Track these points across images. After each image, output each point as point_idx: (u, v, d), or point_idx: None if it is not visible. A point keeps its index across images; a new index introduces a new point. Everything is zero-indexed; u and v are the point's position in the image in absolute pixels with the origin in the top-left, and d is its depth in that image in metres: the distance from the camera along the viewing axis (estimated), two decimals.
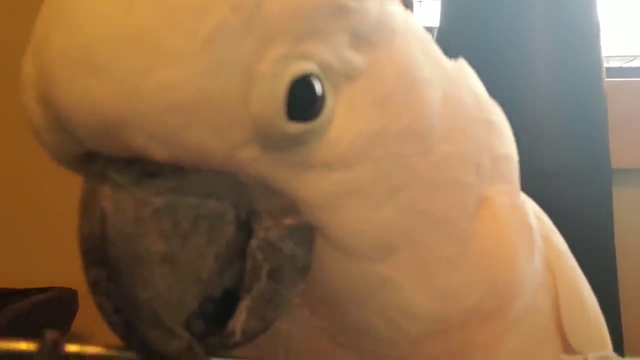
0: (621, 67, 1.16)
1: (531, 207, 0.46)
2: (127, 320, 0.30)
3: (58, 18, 0.28)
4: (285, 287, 0.33)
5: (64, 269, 1.28)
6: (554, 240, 0.47)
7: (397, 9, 0.36)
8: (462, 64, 0.41)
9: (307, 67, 0.30)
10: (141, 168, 0.29)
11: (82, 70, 0.27)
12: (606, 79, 1.05)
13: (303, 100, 0.30)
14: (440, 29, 1.07)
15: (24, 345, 0.30)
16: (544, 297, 0.44)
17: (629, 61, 1.16)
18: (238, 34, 0.28)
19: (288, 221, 0.32)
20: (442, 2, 1.07)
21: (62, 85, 0.27)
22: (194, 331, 0.30)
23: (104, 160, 0.29)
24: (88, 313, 1.24)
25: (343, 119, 0.32)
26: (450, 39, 1.04)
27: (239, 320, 0.31)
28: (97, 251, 0.29)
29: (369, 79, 0.33)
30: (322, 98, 0.31)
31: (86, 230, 0.29)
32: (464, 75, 0.41)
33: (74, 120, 0.28)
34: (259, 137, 0.30)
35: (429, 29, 1.07)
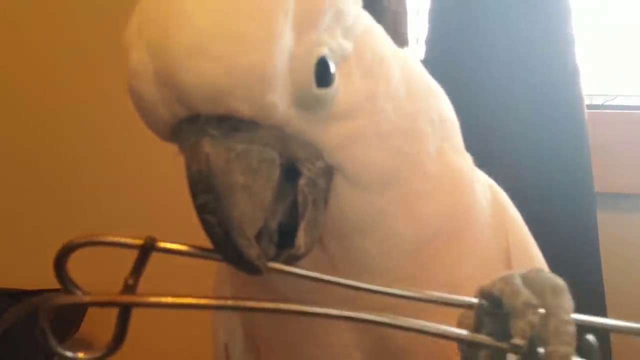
0: (603, 104, 1.25)
1: (481, 173, 0.59)
2: (225, 231, 0.40)
3: (172, 20, 0.39)
4: (321, 213, 0.45)
5: (74, 271, 1.34)
6: (500, 201, 0.59)
7: (362, 11, 0.50)
8: (407, 52, 0.54)
9: (324, 50, 0.43)
10: (228, 125, 0.40)
11: (198, 58, 0.38)
12: (591, 111, 1.15)
13: (324, 73, 0.43)
14: (425, 61, 1.15)
15: (129, 240, 0.36)
16: (493, 238, 0.56)
17: (611, 99, 1.25)
18: (287, 30, 0.41)
19: (319, 164, 0.45)
20: (426, 40, 1.14)
21: (184, 67, 0.39)
22: (263, 245, 0.42)
23: (204, 120, 0.40)
24: (96, 316, 1.30)
25: (343, 86, 0.45)
26: (436, 73, 1.13)
27: (301, 238, 0.44)
28: (204, 182, 0.40)
29: (354, 58, 0.46)
30: (333, 72, 0.43)
31: (195, 168, 0.40)
32: (410, 58, 0.54)
33: (192, 91, 0.39)
34: (297, 101, 0.42)
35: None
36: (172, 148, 0.46)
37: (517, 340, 0.37)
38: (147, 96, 0.40)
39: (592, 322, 0.40)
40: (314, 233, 0.45)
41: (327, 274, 0.42)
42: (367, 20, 0.50)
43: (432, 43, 1.14)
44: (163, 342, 1.38)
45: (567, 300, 0.41)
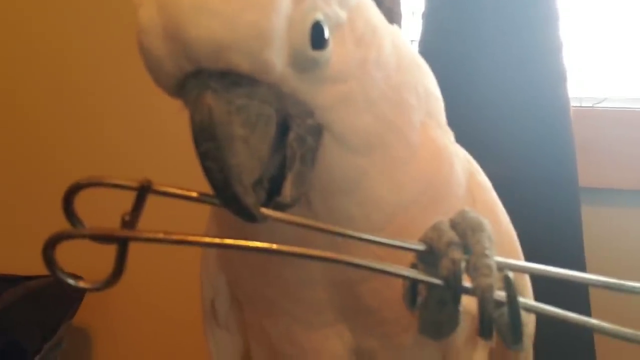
0: (592, 107, 1.28)
1: (460, 149, 0.62)
2: (224, 177, 0.43)
3: None
4: (308, 168, 0.48)
5: (72, 257, 1.35)
6: (477, 176, 0.63)
7: None
8: (397, 28, 0.57)
9: (319, 15, 0.46)
10: (229, 80, 0.43)
11: (203, 15, 0.42)
12: (576, 109, 1.19)
13: (319, 36, 0.46)
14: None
15: (128, 182, 0.39)
16: (466, 207, 0.58)
17: (599, 102, 1.28)
18: None
19: (309, 121, 0.48)
20: (420, 41, 1.18)
21: (191, 25, 0.42)
22: (258, 195, 0.45)
23: (206, 75, 0.43)
24: (92, 304, 1.32)
25: (337, 51, 0.48)
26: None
27: (287, 189, 0.47)
28: (206, 131, 0.43)
29: (348, 27, 0.50)
30: (327, 37, 0.47)
31: (198, 118, 0.43)
32: (400, 34, 0.57)
33: (197, 46, 0.42)
34: (294, 61, 0.46)
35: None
36: (174, 105, 0.49)
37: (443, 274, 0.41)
38: (156, 51, 0.44)
39: (510, 265, 0.43)
40: (300, 186, 0.48)
41: (312, 232, 0.45)
42: None
43: (425, 44, 1.18)
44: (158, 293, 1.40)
45: (486, 237, 0.45)
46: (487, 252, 0.43)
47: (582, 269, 1.13)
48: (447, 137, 0.60)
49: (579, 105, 1.24)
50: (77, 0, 1.39)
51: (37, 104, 1.44)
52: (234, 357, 0.72)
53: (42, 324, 1.23)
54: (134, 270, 1.52)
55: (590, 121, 1.21)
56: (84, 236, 0.37)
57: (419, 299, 0.47)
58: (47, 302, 1.25)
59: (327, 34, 0.46)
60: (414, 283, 0.46)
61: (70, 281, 0.38)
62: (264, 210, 0.45)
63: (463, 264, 0.43)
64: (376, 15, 0.54)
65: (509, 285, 0.41)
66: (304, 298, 0.59)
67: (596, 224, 1.17)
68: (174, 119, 0.49)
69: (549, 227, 1.14)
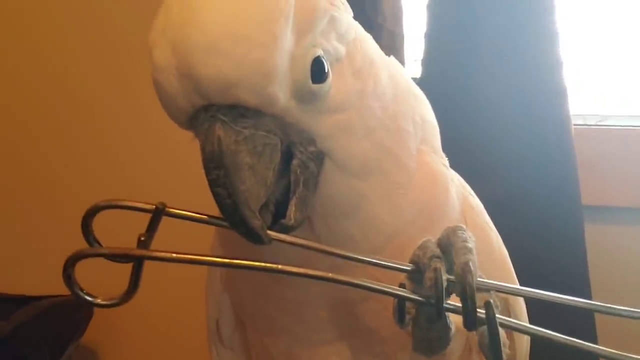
0: (595, 126, 1.30)
1: (455, 174, 0.64)
2: (233, 202, 0.45)
3: (192, 23, 0.45)
4: (310, 193, 0.51)
5: (82, 278, 1.37)
6: (470, 199, 0.64)
7: (353, 21, 0.56)
8: (394, 60, 0.60)
9: (319, 51, 0.49)
10: (237, 112, 0.46)
11: (212, 55, 0.44)
12: (579, 128, 1.21)
13: (319, 71, 0.49)
14: (421, 80, 1.19)
15: (144, 205, 0.41)
16: None
17: (602, 120, 1.30)
18: (287, 33, 0.47)
19: (311, 149, 0.51)
20: (423, 60, 1.20)
21: (201, 63, 0.45)
22: (264, 218, 0.48)
23: (216, 108, 0.46)
24: (100, 323, 1.34)
25: (336, 84, 0.51)
26: (431, 92, 1.20)
27: (291, 212, 0.49)
28: (216, 160, 0.45)
29: (347, 60, 0.52)
30: (327, 71, 0.49)
31: (209, 148, 0.46)
32: (397, 65, 0.59)
33: (207, 84, 0.45)
34: (296, 94, 0.48)
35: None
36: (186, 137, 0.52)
37: (426, 289, 0.44)
38: (170, 88, 0.46)
39: (492, 285, 0.46)
40: (303, 209, 0.50)
41: (313, 253, 0.47)
42: (358, 28, 0.56)
43: (428, 64, 1.20)
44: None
45: (462, 232, 0.48)
46: (463, 238, 0.46)
47: (587, 286, 1.14)
48: (442, 162, 0.62)
49: (583, 123, 1.26)
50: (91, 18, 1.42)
51: (51, 126, 1.47)
52: None
53: (52, 344, 1.25)
54: (141, 291, 1.54)
55: (593, 139, 1.23)
56: (103, 255, 0.39)
57: (407, 317, 0.48)
58: (56, 321, 1.27)
59: (327, 68, 0.49)
60: (400, 301, 0.47)
61: (89, 298, 0.39)
62: (270, 233, 0.46)
63: (445, 277, 0.45)
64: (373, 48, 0.57)
65: (488, 305, 0.43)
66: (305, 317, 0.60)
67: (600, 241, 1.18)
68: (187, 147, 0.51)
69: (553, 245, 1.15)
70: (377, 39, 1.02)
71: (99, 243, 0.42)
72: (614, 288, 1.16)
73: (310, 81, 0.48)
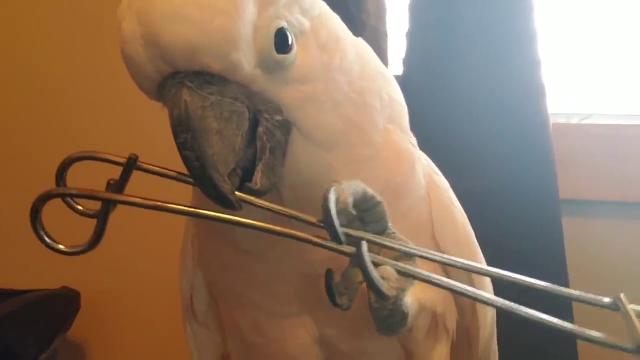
0: (574, 123, 1.32)
1: (422, 154, 0.65)
2: (201, 165, 0.47)
3: None
4: (278, 161, 0.53)
5: (70, 271, 1.37)
6: (435, 177, 0.66)
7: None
8: (361, 40, 0.61)
9: (282, 23, 0.51)
10: (202, 78, 0.48)
11: (176, 21, 0.46)
12: (561, 123, 1.23)
13: (283, 41, 0.51)
14: (403, 78, 1.22)
15: (113, 158, 0.43)
16: (423, 208, 0.64)
17: (585, 118, 1.32)
18: (250, 3, 0.49)
19: (277, 117, 0.52)
20: (404, 59, 1.23)
21: (166, 30, 0.46)
22: (233, 182, 0.49)
23: (182, 75, 0.48)
24: (88, 317, 1.34)
25: (301, 56, 0.53)
26: (413, 90, 1.22)
27: (257, 177, 0.51)
28: (183, 123, 0.47)
29: (312, 34, 0.54)
30: (291, 42, 0.52)
31: (176, 112, 0.47)
32: (365, 45, 0.61)
33: (173, 50, 0.47)
34: (261, 63, 0.50)
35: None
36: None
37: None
38: (137, 57, 0.48)
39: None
40: (270, 175, 0.52)
41: (283, 224, 0.49)
42: (324, 6, 0.58)
43: (409, 62, 1.23)
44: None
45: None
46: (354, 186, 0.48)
47: (565, 278, 1.16)
48: (409, 140, 0.64)
49: (566, 121, 1.29)
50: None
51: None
52: (214, 354, 0.75)
53: (38, 336, 1.25)
54: (128, 284, 1.55)
55: (572, 135, 1.25)
56: (70, 195, 0.41)
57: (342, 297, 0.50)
58: (43, 314, 1.27)
59: (290, 39, 0.51)
60: (327, 279, 0.49)
61: (50, 241, 0.41)
62: (239, 194, 0.48)
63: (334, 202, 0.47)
64: (340, 26, 0.59)
65: (358, 245, 0.45)
66: (273, 291, 0.62)
67: (577, 234, 1.20)
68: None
69: (531, 237, 1.17)
70: (361, 36, 1.05)
71: (70, 190, 0.43)
72: (591, 280, 1.18)
73: (275, 51, 0.50)
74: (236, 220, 0.44)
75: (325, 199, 0.45)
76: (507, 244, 1.17)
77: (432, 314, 0.63)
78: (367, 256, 0.45)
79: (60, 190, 0.40)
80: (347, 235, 0.47)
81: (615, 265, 1.21)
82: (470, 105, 1.20)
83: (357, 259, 0.45)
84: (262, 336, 0.65)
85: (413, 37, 1.23)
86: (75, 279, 1.35)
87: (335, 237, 0.45)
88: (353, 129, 0.56)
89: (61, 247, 0.42)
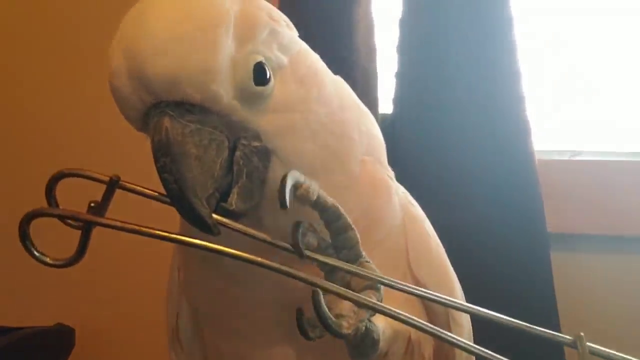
0: (563, 159, 1.35)
1: (399, 185, 0.68)
2: (179, 188, 0.50)
3: (140, 31, 0.51)
4: (255, 186, 0.55)
5: (65, 308, 1.39)
6: (411, 209, 0.69)
7: (298, 38, 0.61)
8: (339, 78, 0.65)
9: (260, 58, 0.54)
10: (183, 108, 0.51)
11: (158, 55, 0.50)
12: (549, 159, 1.26)
13: (260, 75, 0.54)
14: (393, 116, 1.27)
15: (97, 176, 0.45)
16: (400, 237, 0.66)
17: (575, 155, 1.35)
18: (228, 40, 0.52)
19: (255, 143, 0.55)
20: (394, 98, 1.27)
21: (149, 64, 0.50)
22: (211, 207, 0.51)
23: (164, 105, 0.51)
24: (83, 354, 1.35)
25: (279, 88, 0.56)
26: (403, 131, 1.25)
27: (232, 198, 0.53)
28: (163, 148, 0.50)
29: (290, 68, 0.58)
30: (269, 76, 0.55)
31: (157, 138, 0.50)
32: (342, 81, 0.65)
33: (155, 81, 0.50)
34: (240, 94, 0.53)
35: (383, 115, 1.26)
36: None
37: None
38: (123, 88, 0.51)
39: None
40: (246, 199, 0.54)
41: (265, 249, 0.50)
42: (304, 45, 0.62)
43: (400, 101, 1.28)
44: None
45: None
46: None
47: (555, 314, 1.16)
48: (386, 173, 0.67)
49: (556, 158, 1.32)
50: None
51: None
52: None
53: None
54: (123, 322, 1.55)
55: (560, 170, 1.28)
56: (55, 215, 0.43)
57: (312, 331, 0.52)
58: (38, 350, 1.29)
59: (268, 73, 0.55)
60: (298, 315, 0.52)
61: (38, 255, 0.43)
62: (216, 217, 0.50)
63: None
64: (318, 62, 0.63)
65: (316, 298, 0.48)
66: (252, 317, 0.63)
67: (566, 269, 1.21)
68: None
69: (520, 272, 1.19)
70: (351, 76, 1.08)
71: (58, 206, 0.46)
72: (581, 314, 1.19)
73: (253, 83, 0.53)
74: (212, 247, 0.46)
75: (283, 181, 0.48)
76: (495, 279, 1.19)
77: (408, 340, 0.64)
78: (322, 300, 0.47)
79: (45, 210, 0.43)
80: (321, 262, 0.49)
81: (605, 299, 1.22)
82: (457, 142, 1.24)
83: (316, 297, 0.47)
84: None
85: (402, 77, 1.27)
86: (70, 316, 1.36)
87: (295, 247, 0.48)
88: (331, 158, 0.59)
89: (48, 259, 0.45)
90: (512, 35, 1.21)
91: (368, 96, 1.24)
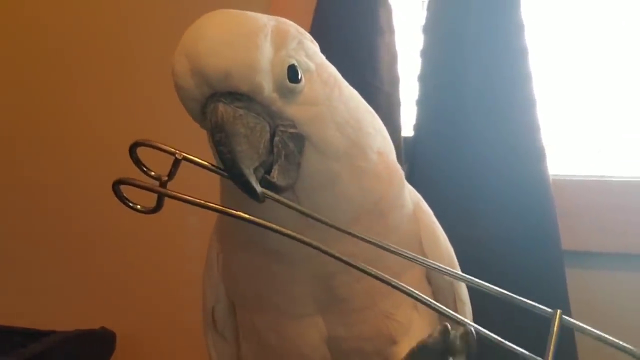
0: (577, 178, 1.39)
1: (408, 184, 0.78)
2: (232, 158, 0.60)
3: (200, 39, 0.62)
4: (292, 166, 0.65)
5: (108, 313, 1.45)
6: (421, 204, 0.80)
7: (320, 53, 0.72)
8: (353, 90, 0.74)
9: (292, 61, 0.65)
10: (233, 97, 0.62)
11: (214, 56, 0.61)
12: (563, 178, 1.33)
13: (294, 74, 0.65)
14: (414, 139, 1.35)
15: (166, 147, 0.56)
16: (413, 225, 0.76)
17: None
18: (267, 45, 0.63)
19: (291, 130, 0.65)
20: (415, 125, 1.35)
21: (207, 63, 0.61)
22: (257, 177, 0.62)
23: (219, 95, 0.61)
24: (123, 358, 1.41)
25: (308, 87, 0.67)
26: (423, 150, 1.33)
27: (275, 172, 0.63)
28: (219, 127, 0.60)
29: (315, 72, 0.68)
30: (300, 76, 0.65)
31: (213, 119, 0.61)
32: (357, 94, 0.75)
33: (212, 75, 0.61)
34: (277, 89, 0.64)
35: (406, 139, 1.35)
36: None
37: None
38: (186, 85, 0.62)
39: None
40: (286, 177, 0.64)
41: (302, 226, 0.61)
42: (324, 57, 0.72)
43: (420, 128, 1.36)
44: None
45: None
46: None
47: (570, 330, 1.20)
48: (399, 168, 0.76)
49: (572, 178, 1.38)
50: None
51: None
52: None
53: None
54: (163, 328, 1.61)
55: (575, 189, 1.34)
56: (135, 185, 0.54)
57: None
58: (81, 352, 1.36)
59: (300, 73, 0.66)
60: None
61: (131, 204, 0.56)
62: (266, 192, 0.60)
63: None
64: (337, 73, 0.73)
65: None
66: (290, 292, 0.73)
67: (581, 286, 1.26)
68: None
69: (535, 289, 1.23)
70: (375, 101, 1.16)
71: (147, 168, 0.57)
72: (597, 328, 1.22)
73: (287, 80, 0.64)
74: (258, 221, 0.56)
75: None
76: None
77: None
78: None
79: (129, 180, 0.54)
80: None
81: (619, 316, 1.25)
82: (474, 163, 1.30)
83: None
84: (278, 337, 0.76)
85: (423, 104, 1.35)
86: (112, 321, 1.45)
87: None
88: (353, 145, 0.69)
89: (139, 207, 0.56)
90: (528, 64, 1.28)
91: (392, 122, 1.32)
